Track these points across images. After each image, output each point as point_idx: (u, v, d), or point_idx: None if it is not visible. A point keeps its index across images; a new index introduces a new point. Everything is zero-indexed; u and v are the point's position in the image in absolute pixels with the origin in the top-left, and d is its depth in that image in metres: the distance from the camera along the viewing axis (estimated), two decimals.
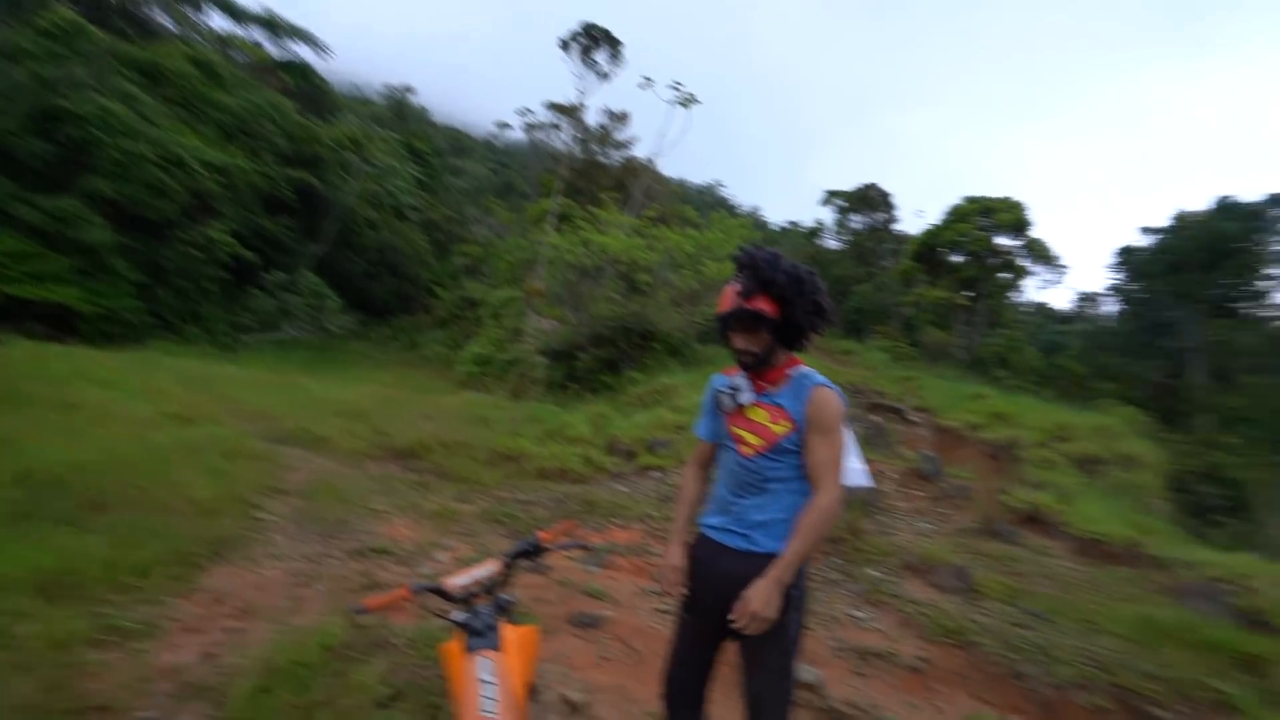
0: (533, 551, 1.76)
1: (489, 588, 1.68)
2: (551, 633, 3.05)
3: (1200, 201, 23.02)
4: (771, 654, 1.67)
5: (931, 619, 3.48)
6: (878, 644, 3.26)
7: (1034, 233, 20.11)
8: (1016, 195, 23.28)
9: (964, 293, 20.46)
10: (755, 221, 38.02)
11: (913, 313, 23.96)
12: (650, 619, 3.42)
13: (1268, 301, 19.38)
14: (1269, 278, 19.07)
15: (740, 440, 1.74)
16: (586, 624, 3.27)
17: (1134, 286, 23.18)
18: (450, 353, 19.59)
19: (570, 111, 25.22)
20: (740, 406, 1.74)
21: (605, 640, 3.11)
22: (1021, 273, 20.99)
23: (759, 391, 1.74)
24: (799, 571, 1.65)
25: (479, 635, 1.53)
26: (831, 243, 35.80)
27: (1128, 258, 23.22)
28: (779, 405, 1.71)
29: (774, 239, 37.03)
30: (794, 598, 1.64)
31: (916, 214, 45.43)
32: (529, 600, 3.39)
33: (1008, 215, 19.87)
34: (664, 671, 1.85)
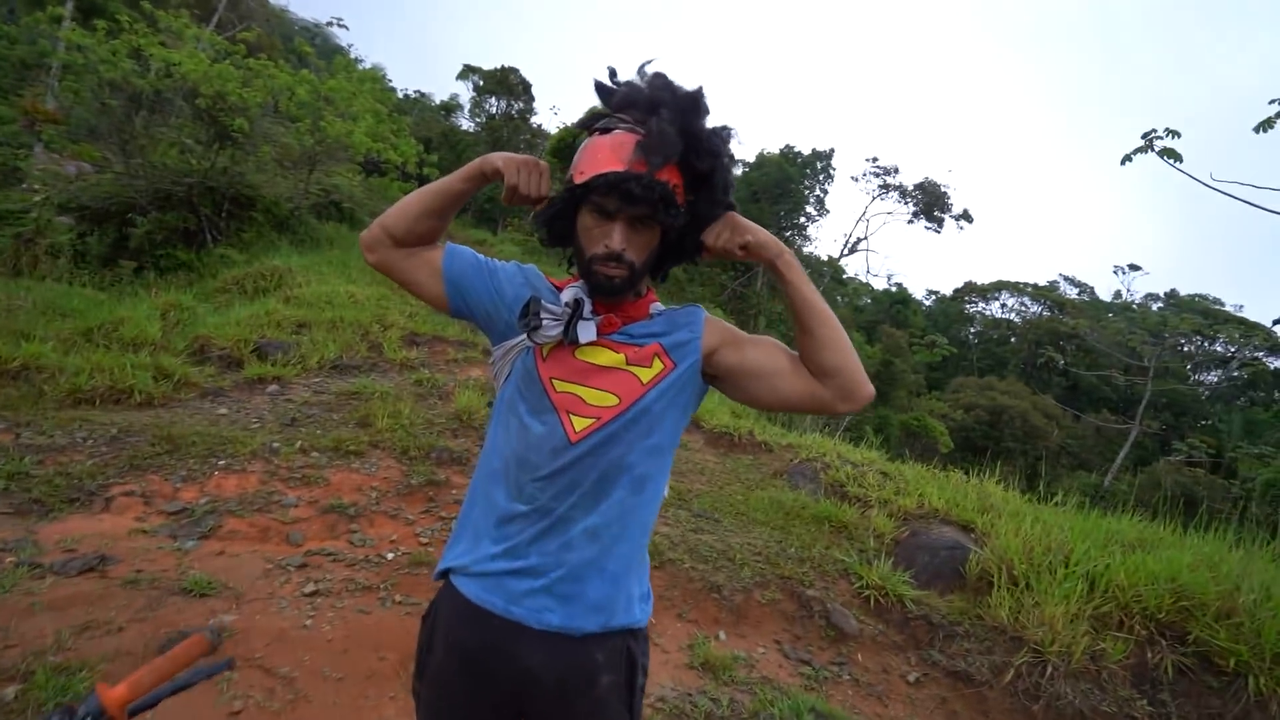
0: None
1: None
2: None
3: (775, 146, 28.73)
4: None
5: None
6: None
7: None
8: None
9: None
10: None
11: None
12: (301, 613, 2.45)
13: (806, 233, 26.23)
14: (807, 215, 25.73)
15: (566, 407, 0.99)
16: None
17: None
18: None
19: None
20: (572, 344, 1.00)
21: (229, 678, 2.05)
22: None
23: (608, 328, 1.03)
24: (644, 643, 1.07)
25: None
26: (465, 123, 33.78)
27: None
28: (644, 342, 1.04)
29: (401, 108, 32.80)
30: (643, 668, 1.06)
31: (552, 110, 46.06)
32: (73, 628, 2.04)
33: None
34: None
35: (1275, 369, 27.32)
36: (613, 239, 0.97)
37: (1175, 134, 5.38)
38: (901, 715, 2.85)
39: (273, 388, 5.13)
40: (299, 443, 4.01)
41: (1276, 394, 26.91)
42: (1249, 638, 3.14)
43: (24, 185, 9.76)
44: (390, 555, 3.11)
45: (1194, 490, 15.91)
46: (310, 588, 2.68)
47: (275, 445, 3.92)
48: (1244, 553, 4.05)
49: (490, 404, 1.11)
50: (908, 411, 21.05)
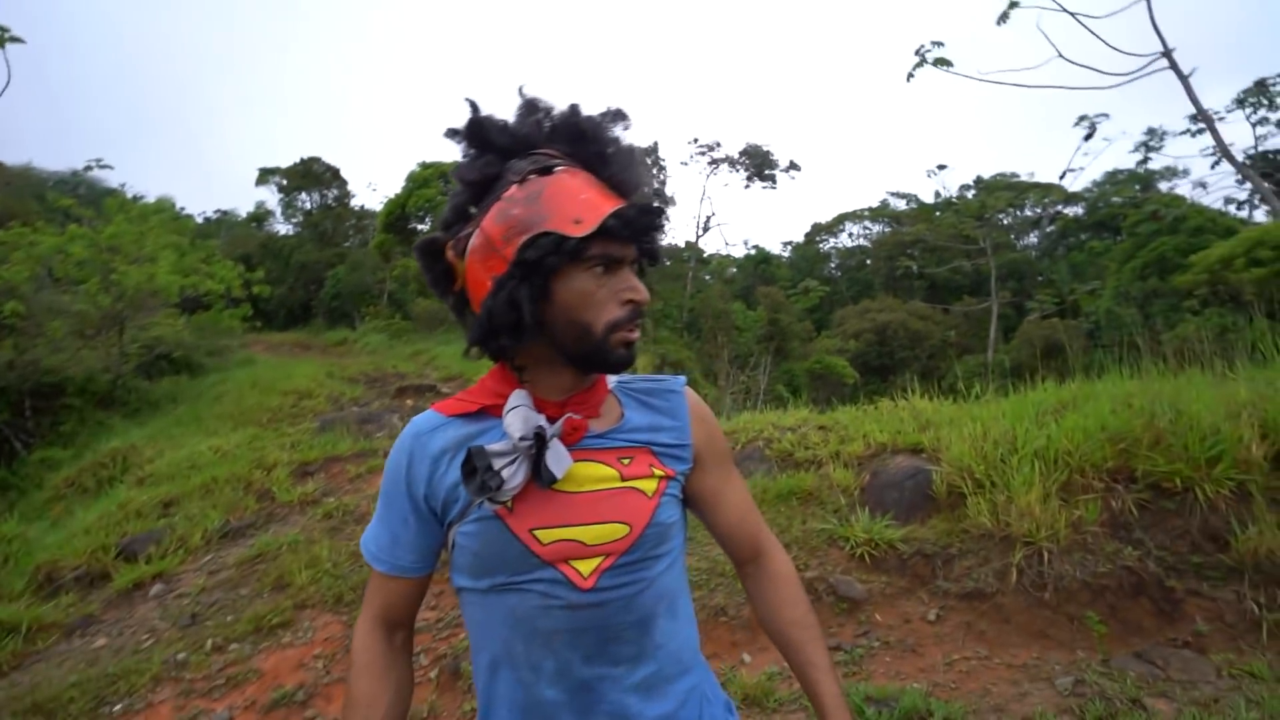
0: None
1: None
2: None
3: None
4: None
5: None
6: None
7: None
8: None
9: None
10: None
11: (395, 287, 23.46)
12: None
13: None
14: None
15: (561, 557, 0.76)
16: None
17: None
18: None
19: None
20: (550, 480, 0.75)
21: None
22: None
23: (575, 434, 0.79)
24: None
25: None
26: (282, 228, 31.67)
27: None
28: (632, 442, 0.83)
29: (208, 231, 30.07)
30: None
31: (370, 188, 44.11)
32: None
33: None
34: None
35: (1074, 215, 31.46)
36: (637, 288, 0.77)
37: (939, 44, 6.06)
38: (939, 657, 2.81)
39: (156, 588, 4.35)
40: (209, 641, 3.39)
41: (1083, 235, 30.96)
42: (1180, 454, 3.40)
43: None
44: None
45: (1057, 338, 17.85)
46: None
47: (180, 657, 3.28)
48: (1138, 381, 4.46)
49: (457, 592, 0.84)
50: (807, 359, 22.09)
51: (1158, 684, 2.32)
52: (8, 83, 14.95)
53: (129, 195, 21.05)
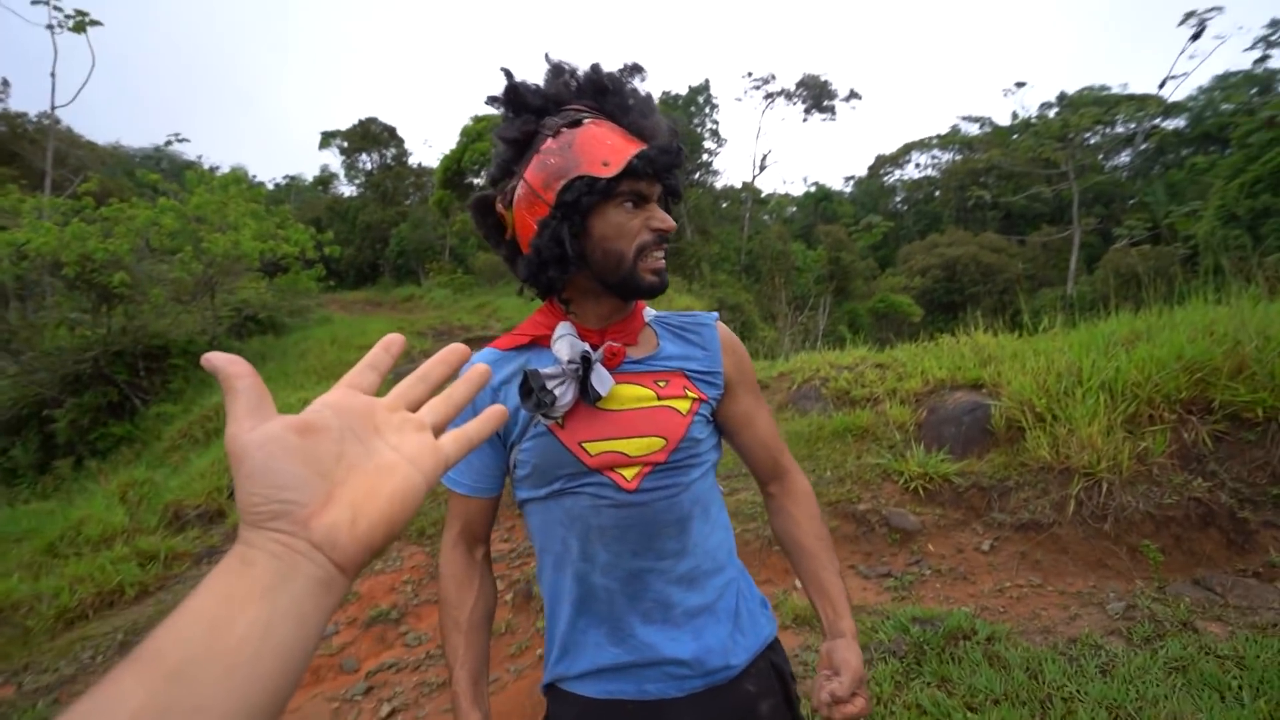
0: None
1: None
2: None
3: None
4: None
5: None
6: None
7: None
8: None
9: None
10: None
11: (456, 242, 24.03)
12: None
13: (713, 168, 26.30)
14: (708, 151, 25.73)
15: (607, 465, 0.87)
16: None
17: None
18: None
19: None
20: (593, 401, 0.86)
21: None
22: None
23: (615, 359, 0.89)
24: (781, 650, 1.01)
25: None
26: (346, 190, 32.71)
27: None
28: (667, 368, 0.93)
29: (278, 197, 31.49)
30: (791, 675, 1.00)
31: (426, 144, 44.81)
32: None
33: None
34: None
35: (1174, 128, 28.50)
36: (662, 218, 0.86)
37: None
38: (990, 585, 2.86)
39: None
40: None
41: (1184, 151, 28.11)
42: (1264, 383, 3.23)
43: None
44: None
45: (1146, 267, 16.57)
46: (385, 709, 2.54)
47: None
48: (1227, 307, 4.18)
49: (520, 506, 0.98)
50: (870, 298, 21.41)
51: (1214, 609, 2.31)
52: (93, 66, 15.89)
53: (206, 167, 22.22)
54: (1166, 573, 2.74)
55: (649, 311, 0.99)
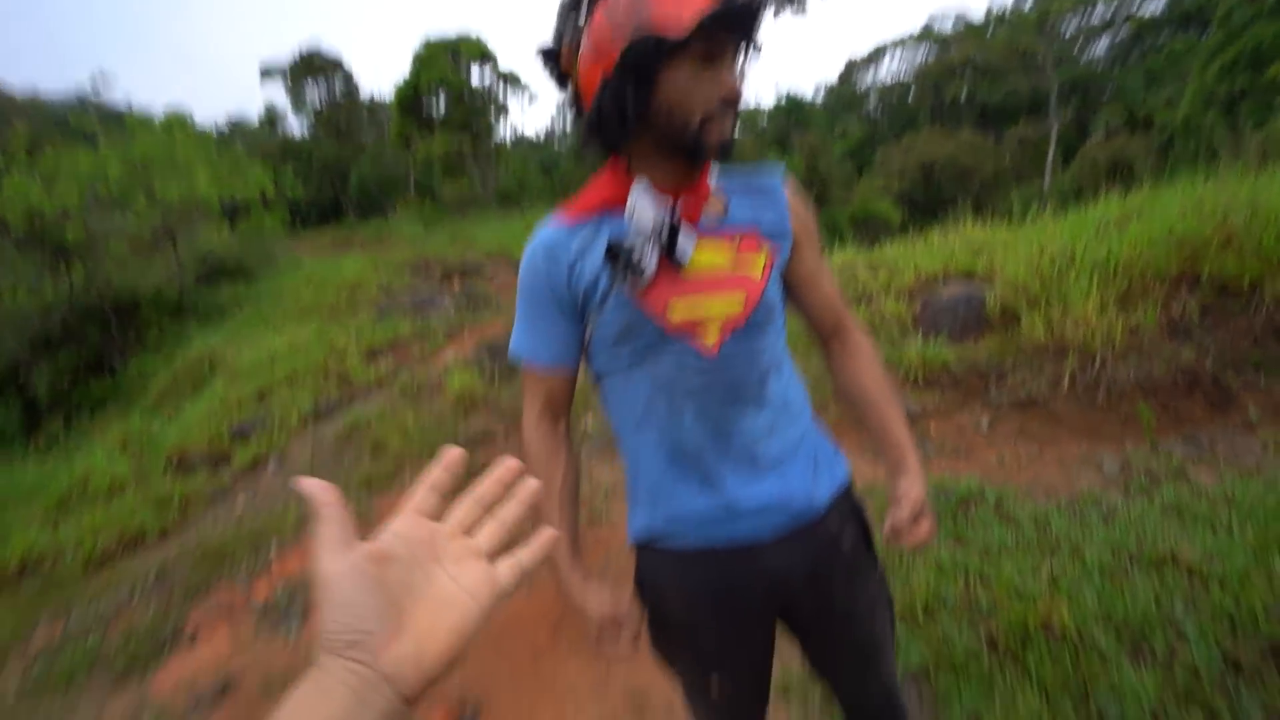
0: None
1: None
2: None
3: None
4: (887, 650, 1.05)
5: None
6: None
7: (503, 65, 20.80)
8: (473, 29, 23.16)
9: (462, 134, 20.47)
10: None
11: (421, 174, 23.12)
12: None
13: None
14: None
15: (687, 329, 0.87)
16: None
17: None
18: None
19: None
20: (677, 265, 0.85)
21: None
22: (502, 108, 21.85)
23: (695, 212, 0.87)
24: (853, 490, 1.04)
25: None
26: (297, 127, 30.94)
27: None
28: (739, 228, 0.91)
29: (224, 140, 29.67)
30: (864, 508, 1.04)
31: (376, 73, 42.04)
32: None
33: (473, 49, 19.89)
34: None
35: (1152, 15, 27.74)
36: (729, 84, 0.80)
37: None
38: (990, 459, 3.01)
39: (272, 463, 4.92)
40: None
41: (1162, 36, 27.50)
42: (1251, 252, 3.32)
43: None
44: None
45: (1126, 156, 16.56)
46: None
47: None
48: (1212, 183, 4.22)
49: (597, 379, 0.98)
50: (849, 204, 21.23)
51: (1203, 459, 2.47)
52: None
53: (136, 110, 20.77)
54: (1157, 434, 2.89)
55: (712, 176, 0.96)
